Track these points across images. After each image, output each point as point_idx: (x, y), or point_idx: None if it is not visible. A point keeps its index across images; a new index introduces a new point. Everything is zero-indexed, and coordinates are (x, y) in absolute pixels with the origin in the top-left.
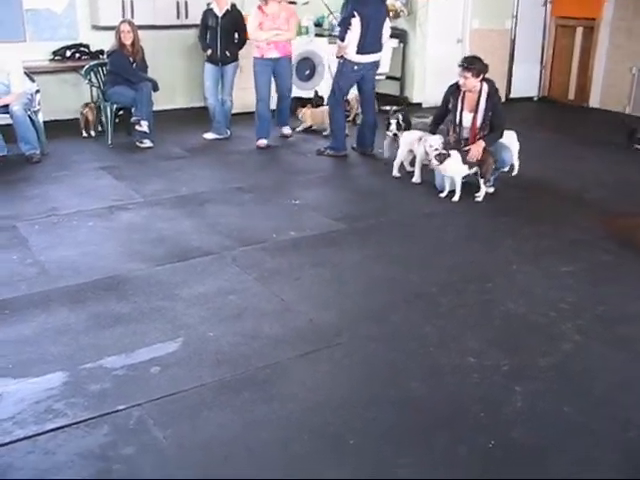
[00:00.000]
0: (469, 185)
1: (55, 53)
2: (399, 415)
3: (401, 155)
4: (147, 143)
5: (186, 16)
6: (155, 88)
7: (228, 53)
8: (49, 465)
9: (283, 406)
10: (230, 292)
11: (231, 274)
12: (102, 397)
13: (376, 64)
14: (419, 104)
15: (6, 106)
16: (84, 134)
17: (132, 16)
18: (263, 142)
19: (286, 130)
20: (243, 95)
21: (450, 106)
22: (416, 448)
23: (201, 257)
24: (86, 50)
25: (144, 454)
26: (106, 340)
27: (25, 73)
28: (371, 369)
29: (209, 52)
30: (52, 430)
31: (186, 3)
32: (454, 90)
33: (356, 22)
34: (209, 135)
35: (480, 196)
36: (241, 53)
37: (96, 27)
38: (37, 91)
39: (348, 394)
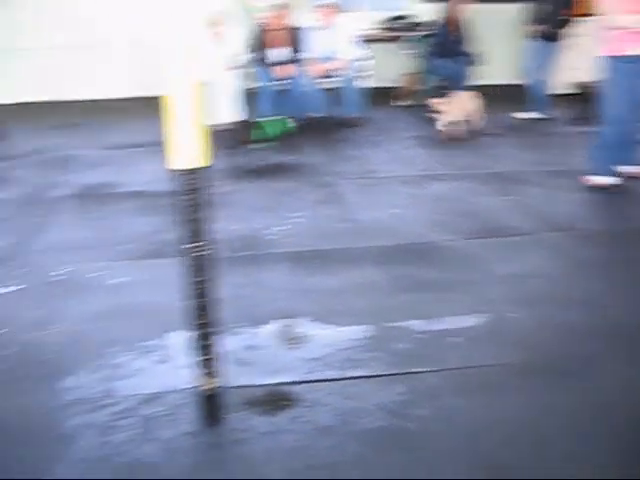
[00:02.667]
0: None
1: (385, 22)
2: None
3: None
4: None
5: None
6: (475, 62)
7: (555, 30)
8: (348, 409)
9: (581, 398)
10: (538, 275)
11: (541, 258)
12: (402, 357)
13: None
14: None
15: (337, 70)
16: (401, 103)
17: None
18: (603, 180)
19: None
20: (566, 75)
21: None
22: None
23: (511, 237)
24: (414, 21)
25: (436, 419)
26: (410, 303)
27: (358, 41)
28: None
29: (535, 28)
30: (353, 378)
31: None
32: None
33: None
34: (526, 114)
35: None
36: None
37: None
38: (367, 58)
39: None
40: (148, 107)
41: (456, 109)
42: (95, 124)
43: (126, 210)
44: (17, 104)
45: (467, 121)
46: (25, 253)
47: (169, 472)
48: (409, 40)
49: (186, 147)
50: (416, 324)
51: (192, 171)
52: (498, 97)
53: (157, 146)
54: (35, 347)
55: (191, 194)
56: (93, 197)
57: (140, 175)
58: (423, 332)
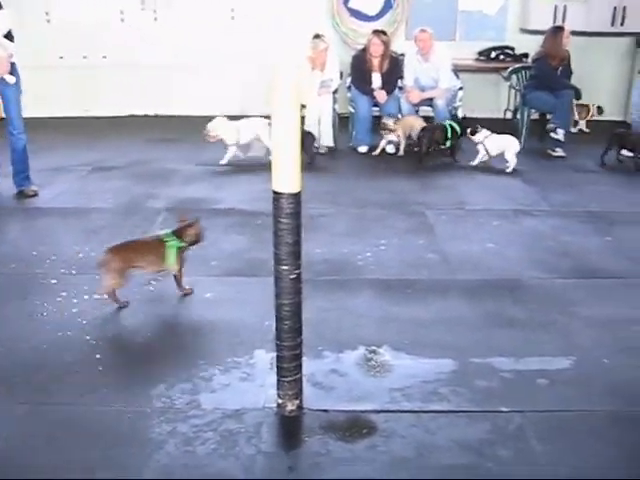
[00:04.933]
0: None
1: (481, 53)
2: None
3: None
4: (559, 152)
5: (622, 23)
6: (578, 96)
7: None
8: (426, 443)
9: None
10: (635, 322)
11: (638, 302)
12: (486, 394)
13: None
14: None
15: (431, 99)
16: None
17: (563, 20)
18: None
19: None
20: None
21: None
22: None
23: (607, 279)
24: (511, 52)
25: (517, 461)
26: (497, 340)
27: (452, 70)
28: None
29: None
30: (434, 412)
31: (624, 9)
32: None
33: None
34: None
35: None
36: None
37: (524, 30)
38: (460, 88)
39: None
40: None
41: None
42: (189, 140)
43: (217, 226)
44: (120, 117)
45: None
46: None
47: None
48: (509, 72)
49: (290, 172)
50: (502, 362)
51: (294, 195)
52: (602, 133)
53: (247, 166)
54: (131, 353)
55: (291, 218)
56: (186, 211)
57: (232, 193)
58: (509, 371)
